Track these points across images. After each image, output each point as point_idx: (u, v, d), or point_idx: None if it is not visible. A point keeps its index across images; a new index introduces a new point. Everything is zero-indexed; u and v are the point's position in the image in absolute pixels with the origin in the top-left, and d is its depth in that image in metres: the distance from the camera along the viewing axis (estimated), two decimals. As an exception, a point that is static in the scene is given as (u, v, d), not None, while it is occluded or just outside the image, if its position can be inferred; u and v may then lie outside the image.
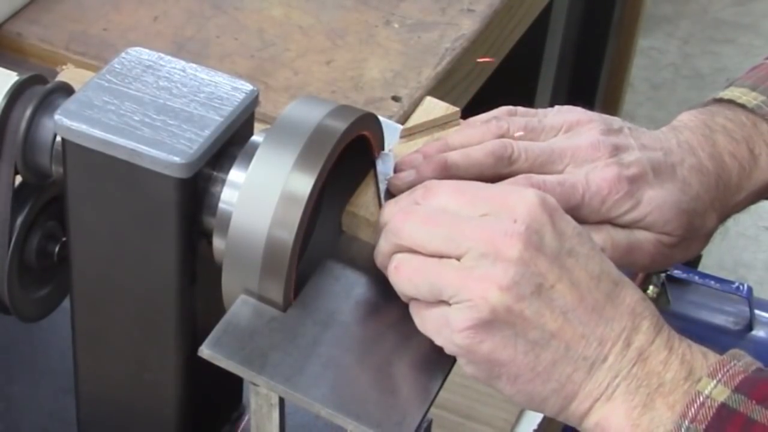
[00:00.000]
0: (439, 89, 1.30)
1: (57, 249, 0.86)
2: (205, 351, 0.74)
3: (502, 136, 0.84)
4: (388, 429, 0.72)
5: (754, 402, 0.71)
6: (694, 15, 3.43)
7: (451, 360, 0.75)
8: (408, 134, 0.87)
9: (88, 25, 1.34)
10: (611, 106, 2.45)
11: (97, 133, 0.75)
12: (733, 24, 3.41)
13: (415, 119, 0.88)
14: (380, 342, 0.77)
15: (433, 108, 0.89)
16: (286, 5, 1.39)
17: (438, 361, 0.75)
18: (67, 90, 0.83)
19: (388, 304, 0.77)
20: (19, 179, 0.82)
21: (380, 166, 0.82)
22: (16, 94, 0.81)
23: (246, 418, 0.91)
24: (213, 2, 1.39)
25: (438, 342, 0.74)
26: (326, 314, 0.77)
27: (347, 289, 0.79)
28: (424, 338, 0.75)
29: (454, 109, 0.89)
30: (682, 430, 0.71)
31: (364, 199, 0.81)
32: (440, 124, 0.88)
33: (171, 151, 0.74)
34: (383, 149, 0.83)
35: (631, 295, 0.74)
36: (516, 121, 0.85)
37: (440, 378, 0.75)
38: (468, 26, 1.38)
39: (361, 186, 0.82)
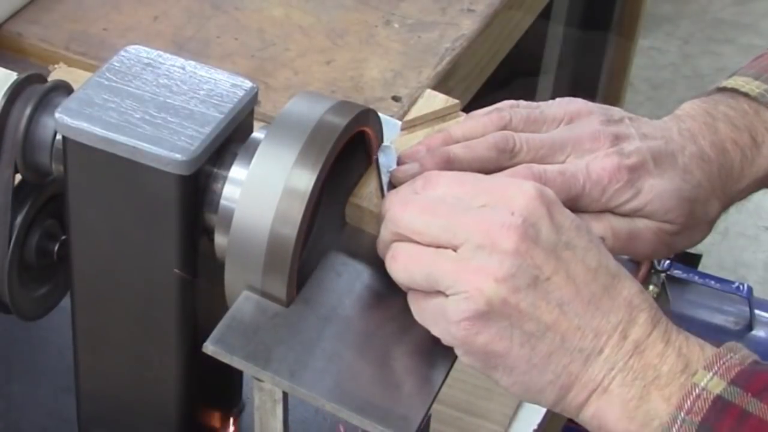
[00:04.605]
0: (440, 89, 1.29)
1: (56, 247, 0.86)
2: (210, 347, 0.74)
3: (504, 128, 0.84)
4: (393, 423, 0.72)
5: (749, 394, 0.71)
6: (694, 15, 3.43)
7: (454, 353, 0.75)
8: (409, 126, 0.88)
9: (88, 25, 1.34)
10: (611, 106, 2.44)
11: (97, 131, 0.75)
12: (733, 24, 3.41)
13: (415, 111, 0.88)
14: (383, 335, 0.77)
15: (433, 100, 0.89)
16: (286, 5, 1.39)
17: (441, 354, 0.75)
18: (66, 88, 0.83)
19: (392, 297, 0.77)
20: (18, 178, 0.82)
21: (383, 158, 0.82)
22: (15, 93, 0.81)
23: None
24: (213, 2, 1.39)
25: (435, 332, 0.75)
26: (329, 309, 0.77)
27: (350, 282, 0.79)
28: (426, 330, 0.75)
29: (454, 101, 0.90)
30: (678, 422, 0.71)
31: (367, 191, 0.81)
32: (441, 116, 0.89)
33: (172, 148, 0.74)
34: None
35: (628, 287, 0.74)
36: (518, 112, 0.85)
37: (443, 371, 0.75)
38: (468, 26, 1.38)
39: (365, 178, 0.82)
